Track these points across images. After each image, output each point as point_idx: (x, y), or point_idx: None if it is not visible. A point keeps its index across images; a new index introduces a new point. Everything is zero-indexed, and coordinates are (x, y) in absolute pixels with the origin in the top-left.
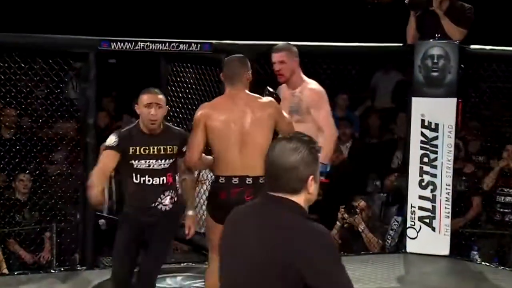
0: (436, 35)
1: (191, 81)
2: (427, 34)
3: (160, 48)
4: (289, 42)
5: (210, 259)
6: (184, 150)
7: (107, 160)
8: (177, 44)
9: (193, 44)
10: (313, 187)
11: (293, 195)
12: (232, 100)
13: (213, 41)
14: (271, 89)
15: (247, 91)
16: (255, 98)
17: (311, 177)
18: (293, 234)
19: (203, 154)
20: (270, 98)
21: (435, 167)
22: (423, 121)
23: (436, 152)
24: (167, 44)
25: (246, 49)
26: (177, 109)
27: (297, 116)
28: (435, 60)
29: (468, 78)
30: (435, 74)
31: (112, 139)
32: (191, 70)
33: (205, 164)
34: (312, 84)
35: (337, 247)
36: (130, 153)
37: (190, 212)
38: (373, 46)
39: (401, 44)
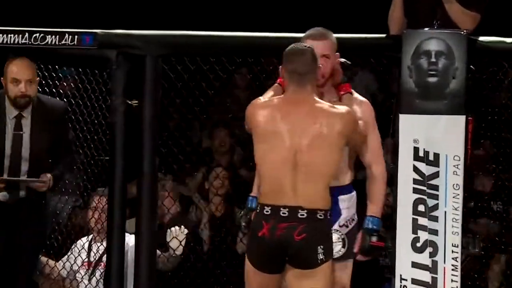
0: (434, 21)
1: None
2: (420, 20)
3: (12, 41)
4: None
5: None
6: None
7: None
8: (41, 35)
9: (67, 35)
10: None
11: None
12: (294, 106)
13: (98, 31)
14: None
15: (315, 97)
16: (325, 107)
17: None
18: None
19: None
20: (346, 108)
21: (435, 219)
22: (416, 150)
23: (436, 197)
24: (22, 35)
25: (153, 42)
26: None
27: None
28: (433, 59)
29: (481, 86)
30: (433, 79)
31: None
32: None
33: None
34: (355, 93)
35: None
36: None
37: None
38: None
39: (381, 36)
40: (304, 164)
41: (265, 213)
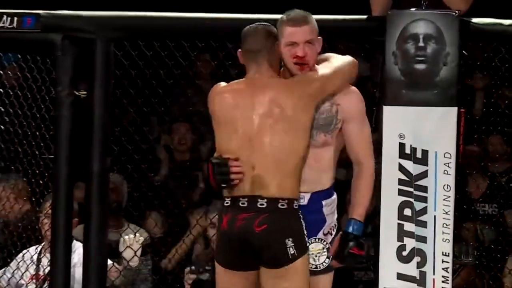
0: (422, 1)
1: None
2: (406, 0)
3: None
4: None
5: None
6: None
7: None
8: None
9: (5, 17)
10: None
11: None
12: (252, 87)
13: (41, 12)
14: None
15: (276, 77)
16: (282, 80)
17: None
18: None
19: None
20: (305, 72)
21: (423, 224)
22: (402, 146)
23: (424, 200)
24: None
25: (104, 24)
26: None
27: (324, 136)
28: (421, 43)
29: (473, 73)
30: (421, 66)
31: None
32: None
33: None
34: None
35: None
36: None
37: None
38: None
39: (361, 17)
40: (261, 150)
41: (225, 205)
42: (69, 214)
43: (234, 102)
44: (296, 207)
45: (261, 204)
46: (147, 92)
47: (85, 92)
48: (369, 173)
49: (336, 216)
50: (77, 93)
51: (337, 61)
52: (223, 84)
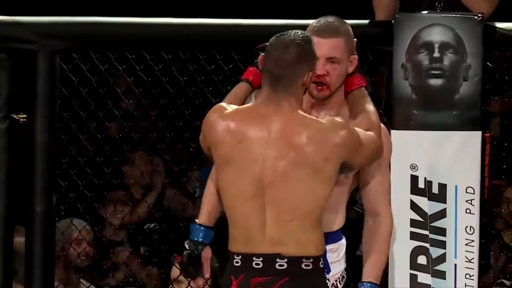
0: (437, 3)
1: None
2: (417, 1)
3: None
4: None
5: None
6: None
7: None
8: None
9: None
10: None
11: None
12: (266, 119)
13: None
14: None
15: (297, 109)
16: (308, 121)
17: None
18: None
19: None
20: (339, 121)
21: (441, 275)
22: (414, 179)
23: (443, 245)
24: None
25: (48, 32)
26: None
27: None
28: (436, 54)
29: (500, 89)
30: (436, 82)
31: None
32: None
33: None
34: None
35: None
36: None
37: None
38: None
39: (363, 22)
40: (277, 199)
41: (235, 264)
42: (9, 264)
43: (241, 136)
44: (322, 265)
45: (280, 265)
46: (101, 115)
47: (24, 116)
48: (387, 228)
49: (344, 266)
50: (15, 117)
51: (375, 126)
52: (225, 107)
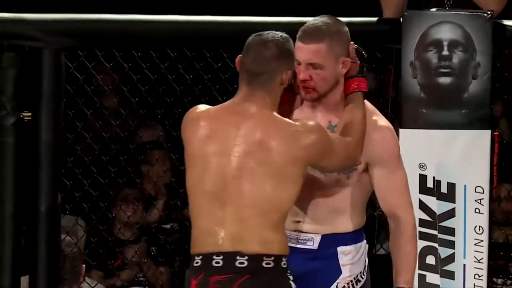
0: (446, 0)
1: None
2: None
3: None
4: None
5: None
6: None
7: None
8: None
9: None
10: None
11: None
12: (237, 117)
13: None
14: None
15: (271, 109)
16: (279, 121)
17: None
18: None
19: None
20: (311, 124)
21: (450, 275)
22: (423, 179)
23: (451, 245)
24: None
25: (53, 30)
26: None
27: (338, 174)
28: (445, 52)
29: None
30: (445, 80)
31: None
32: None
33: None
34: (376, 113)
35: None
36: None
37: None
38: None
39: (371, 20)
40: (239, 195)
41: (195, 265)
42: (16, 262)
43: (211, 131)
44: (285, 266)
45: (240, 263)
46: (107, 112)
47: (29, 114)
48: (409, 228)
49: (362, 268)
50: (20, 115)
51: (354, 133)
52: (200, 107)
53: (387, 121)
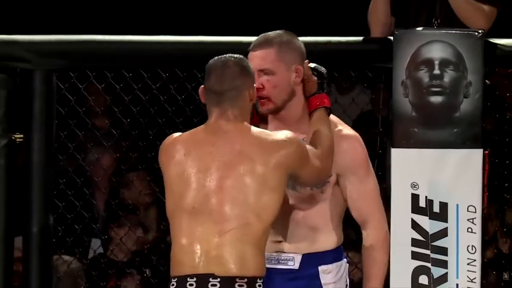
0: (434, 20)
1: None
2: (414, 17)
3: None
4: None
5: None
6: None
7: None
8: None
9: None
10: None
11: None
12: (211, 136)
13: None
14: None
15: (245, 123)
16: (255, 133)
17: None
18: None
19: None
20: (290, 134)
21: None
22: (415, 198)
23: (444, 265)
24: None
25: (45, 51)
26: None
27: (311, 189)
28: (437, 71)
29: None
30: (436, 99)
31: None
32: None
33: None
34: (341, 123)
35: None
36: None
37: None
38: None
39: (360, 39)
40: (219, 207)
41: (171, 287)
42: (8, 283)
43: (187, 152)
44: (260, 287)
45: (213, 285)
46: (99, 134)
47: (21, 136)
48: (381, 235)
49: (344, 286)
50: (11, 136)
51: (323, 148)
52: (175, 134)
53: (352, 130)
